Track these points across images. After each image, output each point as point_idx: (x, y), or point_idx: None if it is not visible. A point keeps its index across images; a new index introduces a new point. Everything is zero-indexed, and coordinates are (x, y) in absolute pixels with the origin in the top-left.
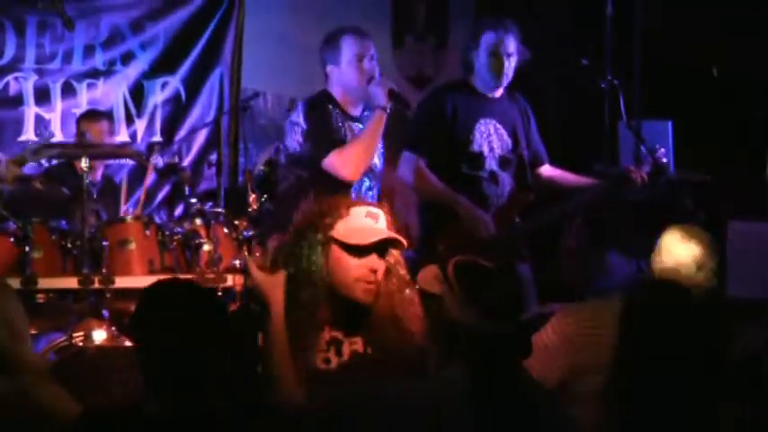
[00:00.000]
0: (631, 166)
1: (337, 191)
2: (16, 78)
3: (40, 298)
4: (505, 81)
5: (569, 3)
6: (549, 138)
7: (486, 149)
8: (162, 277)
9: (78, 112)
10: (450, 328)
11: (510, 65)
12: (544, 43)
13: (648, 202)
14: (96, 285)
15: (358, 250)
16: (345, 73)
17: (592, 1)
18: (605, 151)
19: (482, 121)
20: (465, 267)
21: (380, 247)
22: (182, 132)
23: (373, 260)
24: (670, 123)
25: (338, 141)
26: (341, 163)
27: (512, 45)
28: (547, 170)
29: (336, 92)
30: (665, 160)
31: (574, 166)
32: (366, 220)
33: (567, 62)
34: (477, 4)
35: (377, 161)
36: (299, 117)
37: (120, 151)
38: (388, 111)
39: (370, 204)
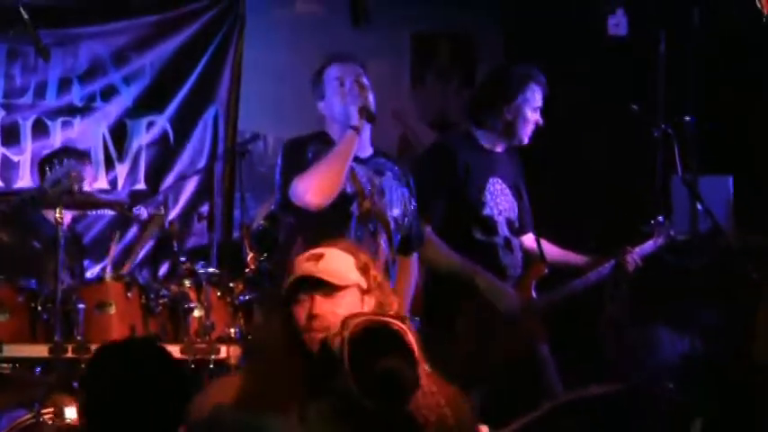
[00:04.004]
0: (628, 247)
1: (328, 233)
2: None
3: (5, 368)
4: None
5: (615, 39)
6: (594, 193)
7: (496, 211)
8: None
9: None
10: (340, 391)
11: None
12: (587, 85)
13: (705, 269)
14: (70, 354)
15: (289, 299)
16: (330, 102)
17: (641, 37)
18: (657, 209)
19: (490, 179)
20: (367, 334)
21: (311, 288)
22: (169, 179)
23: (309, 305)
24: (731, 179)
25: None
26: (303, 188)
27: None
28: (529, 240)
29: (333, 130)
30: (672, 231)
31: (619, 227)
32: (305, 265)
33: (613, 107)
34: (504, 42)
35: (396, 210)
36: (278, 157)
37: (99, 200)
38: (360, 131)
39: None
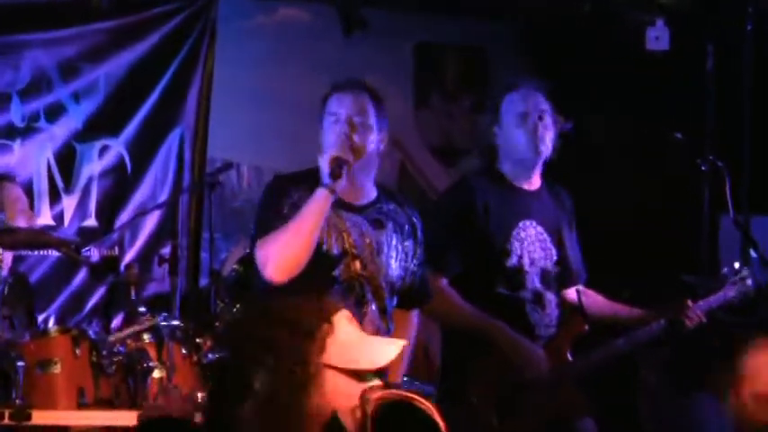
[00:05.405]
0: (689, 302)
1: (308, 294)
2: None
3: None
4: (545, 153)
5: (655, 55)
6: (630, 235)
7: (526, 261)
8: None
9: None
10: None
11: (546, 130)
12: (622, 109)
13: (760, 327)
14: (6, 421)
15: (361, 374)
16: (323, 138)
17: (686, 53)
18: (703, 255)
19: (521, 223)
20: (393, 412)
21: None
22: (125, 215)
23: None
24: None
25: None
26: (263, 259)
27: (543, 104)
28: (571, 293)
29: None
30: (749, 282)
31: (659, 273)
32: (352, 330)
33: (653, 135)
34: (525, 57)
35: (394, 269)
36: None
37: (40, 238)
38: (336, 191)
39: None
